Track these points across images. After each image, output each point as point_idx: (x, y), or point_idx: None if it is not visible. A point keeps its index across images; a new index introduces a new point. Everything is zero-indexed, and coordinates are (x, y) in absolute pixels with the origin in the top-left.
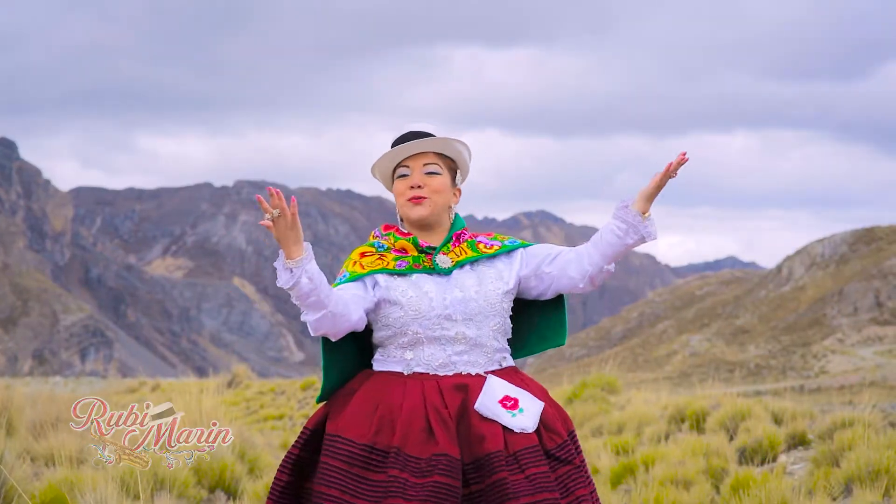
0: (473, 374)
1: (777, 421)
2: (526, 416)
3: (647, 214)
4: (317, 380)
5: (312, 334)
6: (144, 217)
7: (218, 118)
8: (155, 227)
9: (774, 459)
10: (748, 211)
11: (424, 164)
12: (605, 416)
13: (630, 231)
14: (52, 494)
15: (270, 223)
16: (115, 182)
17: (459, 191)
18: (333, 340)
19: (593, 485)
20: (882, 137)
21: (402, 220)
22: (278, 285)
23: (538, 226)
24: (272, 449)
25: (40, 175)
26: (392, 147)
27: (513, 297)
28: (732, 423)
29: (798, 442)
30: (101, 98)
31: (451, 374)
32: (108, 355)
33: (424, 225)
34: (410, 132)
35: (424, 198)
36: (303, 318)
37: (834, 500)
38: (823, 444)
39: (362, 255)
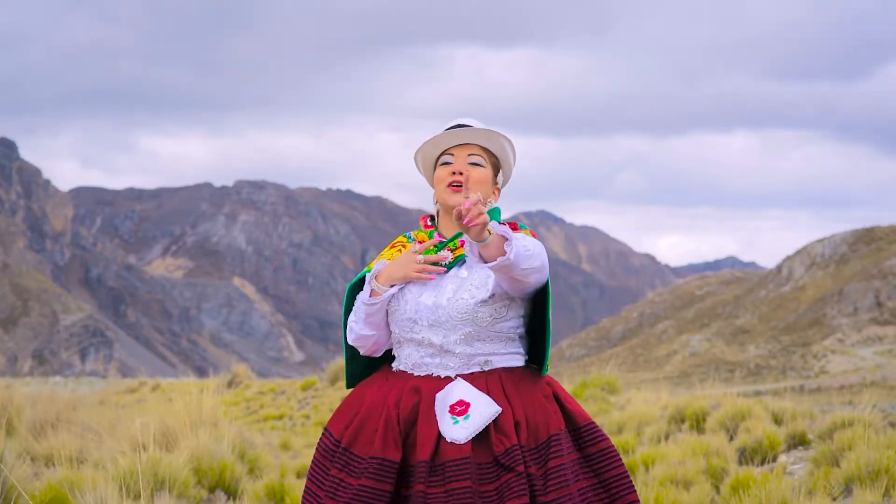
0: (443, 376)
1: (777, 421)
2: (464, 426)
3: (484, 240)
4: (317, 380)
5: (349, 339)
6: (144, 217)
7: (218, 118)
8: (155, 227)
9: (774, 459)
10: (748, 211)
11: (469, 155)
12: (606, 416)
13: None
14: (52, 494)
15: (417, 250)
16: (115, 182)
17: (499, 190)
18: (361, 353)
19: (563, 491)
20: (882, 138)
21: (437, 211)
22: (364, 294)
23: (538, 226)
24: (272, 449)
25: (40, 175)
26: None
27: (500, 301)
28: (732, 423)
29: (798, 442)
30: (102, 98)
31: (423, 374)
32: (108, 355)
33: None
34: (459, 124)
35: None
36: (354, 322)
37: (834, 500)
38: (823, 444)
39: (392, 246)
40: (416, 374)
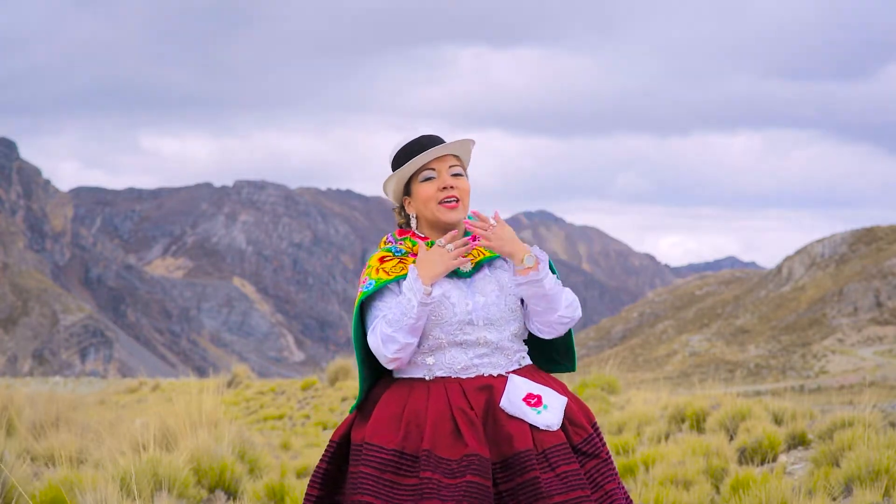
0: (496, 374)
1: (777, 421)
2: (550, 413)
3: (523, 259)
4: (317, 380)
5: (391, 352)
6: (144, 217)
7: (220, 118)
8: (155, 227)
9: (774, 459)
10: (748, 211)
11: (450, 167)
12: (606, 416)
13: (526, 286)
14: (52, 494)
15: (444, 244)
16: (116, 182)
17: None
18: (393, 367)
19: (619, 477)
20: (884, 138)
21: (416, 222)
22: (419, 296)
23: (538, 226)
24: (272, 449)
25: (40, 175)
26: (397, 152)
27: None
28: (732, 423)
29: (798, 442)
30: (103, 98)
31: (472, 376)
32: (108, 355)
33: (449, 227)
34: (424, 136)
35: (458, 200)
36: (394, 332)
37: (834, 500)
38: (823, 444)
39: (382, 260)
40: (462, 377)
